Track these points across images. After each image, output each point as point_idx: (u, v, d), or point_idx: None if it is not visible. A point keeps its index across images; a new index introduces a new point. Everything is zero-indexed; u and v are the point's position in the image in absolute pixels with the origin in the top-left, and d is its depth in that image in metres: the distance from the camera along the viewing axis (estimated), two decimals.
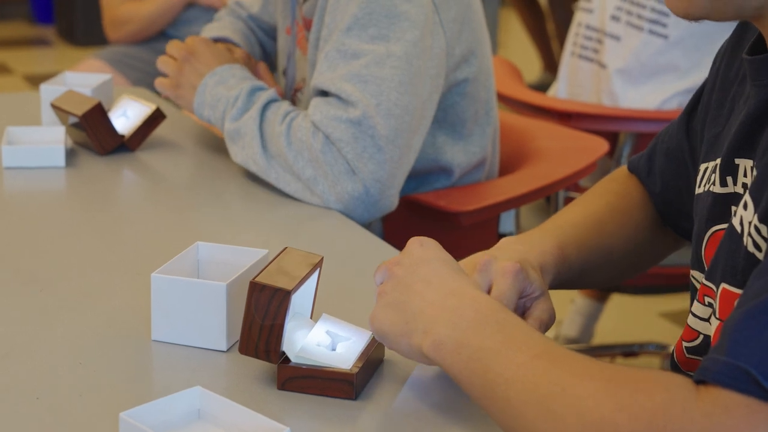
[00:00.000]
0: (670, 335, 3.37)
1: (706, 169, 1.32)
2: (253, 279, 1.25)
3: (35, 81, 6.31)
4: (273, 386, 1.27)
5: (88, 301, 1.51)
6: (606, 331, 3.41)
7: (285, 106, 1.94)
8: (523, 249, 1.36)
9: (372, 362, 1.29)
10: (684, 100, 2.69)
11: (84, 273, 1.62)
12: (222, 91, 2.00)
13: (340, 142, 1.83)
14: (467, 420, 1.21)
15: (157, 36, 3.73)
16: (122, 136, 2.12)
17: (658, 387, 0.97)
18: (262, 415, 1.14)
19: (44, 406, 1.23)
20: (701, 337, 1.26)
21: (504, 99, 2.76)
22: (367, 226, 1.88)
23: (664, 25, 2.73)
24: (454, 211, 1.99)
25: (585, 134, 2.44)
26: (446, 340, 1.15)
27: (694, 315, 1.27)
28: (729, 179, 1.24)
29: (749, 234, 1.13)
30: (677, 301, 3.54)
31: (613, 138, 2.68)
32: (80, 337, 1.40)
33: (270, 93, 1.96)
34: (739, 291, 1.16)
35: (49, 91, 2.23)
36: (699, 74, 2.69)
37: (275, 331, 1.25)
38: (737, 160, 1.23)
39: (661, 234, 1.54)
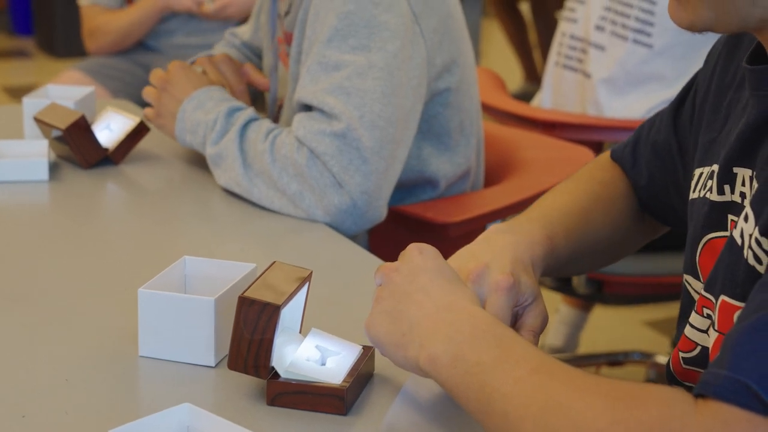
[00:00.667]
0: (654, 344, 3.37)
1: (702, 174, 1.32)
2: (242, 294, 1.23)
3: (14, 93, 6.28)
4: (262, 402, 1.25)
5: (73, 317, 1.49)
6: (591, 341, 3.40)
7: (266, 124, 1.93)
8: (513, 241, 1.35)
9: (362, 377, 1.28)
10: None
11: (69, 288, 1.60)
12: (200, 116, 1.99)
13: (325, 155, 1.83)
14: None
15: (136, 47, 3.72)
16: (106, 150, 2.10)
17: (656, 401, 0.96)
18: None
19: (30, 425, 1.22)
20: (699, 348, 1.26)
21: (488, 109, 2.76)
22: (353, 238, 1.87)
23: (648, 35, 2.73)
24: (441, 223, 1.99)
25: (570, 144, 2.44)
26: (442, 354, 1.14)
27: (692, 326, 1.27)
28: (726, 188, 1.24)
29: (750, 247, 1.13)
30: (661, 310, 3.53)
31: (597, 148, 2.68)
32: (66, 353, 1.39)
33: (248, 113, 1.95)
34: (738, 303, 1.15)
35: (32, 104, 2.21)
36: (685, 83, 2.68)
37: (264, 346, 1.23)
38: (735, 169, 1.23)
39: (641, 223, 1.55)
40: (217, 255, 1.52)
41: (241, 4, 3.58)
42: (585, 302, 3.22)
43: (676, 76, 2.69)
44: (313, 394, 1.24)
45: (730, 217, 1.23)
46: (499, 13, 5.76)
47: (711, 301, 1.21)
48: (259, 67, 2.30)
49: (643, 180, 1.51)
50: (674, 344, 1.32)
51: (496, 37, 6.79)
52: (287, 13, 2.06)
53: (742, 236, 1.15)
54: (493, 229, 1.38)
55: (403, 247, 1.28)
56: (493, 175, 2.30)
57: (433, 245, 1.28)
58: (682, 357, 1.29)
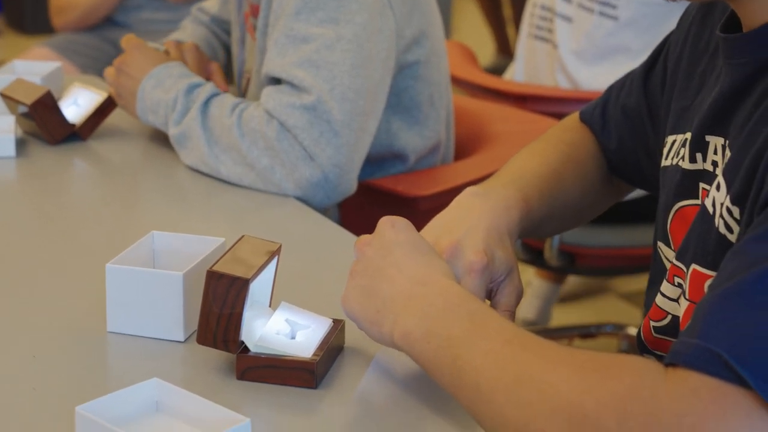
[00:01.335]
0: (627, 316, 3.37)
1: (674, 141, 1.31)
2: (211, 268, 1.22)
3: None
4: (232, 376, 1.25)
5: (40, 293, 1.48)
6: (563, 313, 3.41)
7: (229, 98, 1.91)
8: (488, 207, 1.33)
9: (332, 350, 1.27)
10: None
11: (36, 264, 1.58)
12: (160, 94, 1.97)
13: (296, 128, 1.81)
14: (429, 406, 1.19)
15: (105, 22, 3.68)
16: (73, 125, 2.08)
17: (627, 371, 0.96)
18: (221, 406, 1.12)
19: None
20: (670, 317, 1.26)
21: (459, 82, 2.74)
22: (324, 212, 1.86)
23: (614, 7, 2.72)
24: (412, 196, 1.98)
25: (541, 117, 2.44)
26: (415, 329, 1.14)
27: (663, 295, 1.26)
28: (699, 156, 1.24)
29: (721, 215, 1.13)
30: (633, 282, 3.54)
31: None
32: (33, 329, 1.38)
33: (208, 88, 1.93)
34: (709, 272, 1.15)
35: None
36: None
37: (234, 320, 1.22)
38: (708, 137, 1.22)
39: (610, 185, 1.55)
40: (186, 230, 1.50)
41: None
42: (557, 275, 3.22)
43: (641, 48, 2.68)
44: (283, 368, 1.23)
45: (702, 185, 1.23)
46: None
47: (682, 270, 1.21)
48: (228, 45, 2.28)
49: (612, 143, 1.51)
50: (645, 313, 1.32)
51: (469, 12, 6.77)
52: None
53: (713, 205, 1.15)
54: (468, 191, 1.36)
55: (375, 221, 1.27)
56: (464, 149, 2.29)
57: (404, 218, 1.27)
58: (653, 326, 1.28)
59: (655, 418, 0.91)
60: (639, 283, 3.47)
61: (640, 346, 1.31)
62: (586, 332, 3.15)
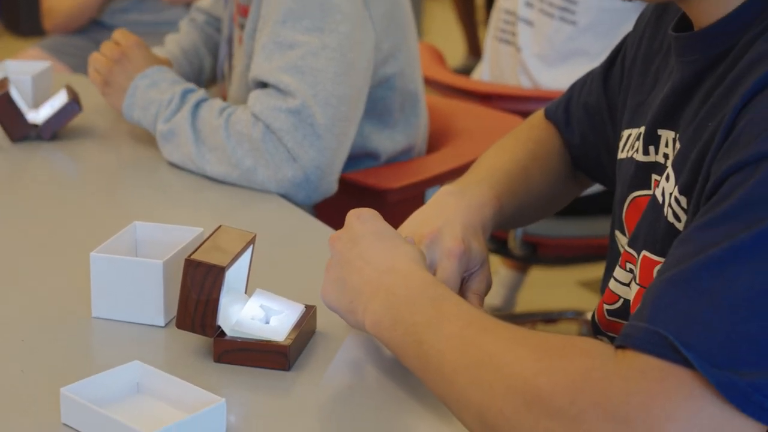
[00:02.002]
0: (586, 302, 3.38)
1: (630, 135, 1.31)
2: (189, 256, 1.22)
3: None
4: (209, 359, 1.24)
5: (28, 281, 1.47)
6: (527, 300, 3.41)
7: (218, 102, 1.91)
8: (464, 205, 1.34)
9: (304, 334, 1.27)
10: None
11: (23, 254, 1.58)
12: (154, 94, 1.95)
13: (281, 131, 1.81)
14: (397, 387, 1.19)
15: (93, 25, 3.66)
16: (34, 125, 2.05)
17: (580, 352, 0.96)
18: (198, 387, 1.11)
19: None
20: (622, 300, 1.26)
21: (429, 82, 2.74)
22: (298, 204, 1.85)
23: (572, 12, 2.73)
24: (382, 189, 1.98)
25: (505, 114, 2.44)
26: (383, 317, 1.14)
27: (616, 280, 1.27)
28: (651, 149, 1.24)
29: (669, 205, 1.13)
30: (593, 270, 3.54)
31: None
32: (22, 315, 1.37)
33: (200, 94, 1.93)
34: (658, 259, 1.15)
35: None
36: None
37: (211, 306, 1.22)
38: (660, 131, 1.23)
39: (573, 178, 1.56)
40: (169, 223, 1.49)
41: None
42: (521, 264, 3.23)
43: (599, 51, 2.68)
44: (258, 351, 1.22)
45: (654, 176, 1.23)
46: None
47: (633, 256, 1.21)
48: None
49: (576, 139, 1.51)
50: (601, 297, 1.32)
51: (438, 16, 6.78)
52: None
53: (663, 195, 1.15)
54: (444, 190, 1.38)
55: (347, 212, 1.27)
56: (434, 144, 2.29)
57: (370, 209, 1.27)
58: (606, 309, 1.29)
59: (606, 397, 0.91)
60: (598, 271, 3.48)
61: (594, 328, 1.32)
62: (549, 318, 3.17)
